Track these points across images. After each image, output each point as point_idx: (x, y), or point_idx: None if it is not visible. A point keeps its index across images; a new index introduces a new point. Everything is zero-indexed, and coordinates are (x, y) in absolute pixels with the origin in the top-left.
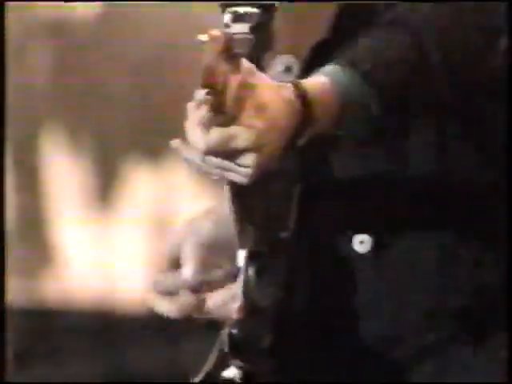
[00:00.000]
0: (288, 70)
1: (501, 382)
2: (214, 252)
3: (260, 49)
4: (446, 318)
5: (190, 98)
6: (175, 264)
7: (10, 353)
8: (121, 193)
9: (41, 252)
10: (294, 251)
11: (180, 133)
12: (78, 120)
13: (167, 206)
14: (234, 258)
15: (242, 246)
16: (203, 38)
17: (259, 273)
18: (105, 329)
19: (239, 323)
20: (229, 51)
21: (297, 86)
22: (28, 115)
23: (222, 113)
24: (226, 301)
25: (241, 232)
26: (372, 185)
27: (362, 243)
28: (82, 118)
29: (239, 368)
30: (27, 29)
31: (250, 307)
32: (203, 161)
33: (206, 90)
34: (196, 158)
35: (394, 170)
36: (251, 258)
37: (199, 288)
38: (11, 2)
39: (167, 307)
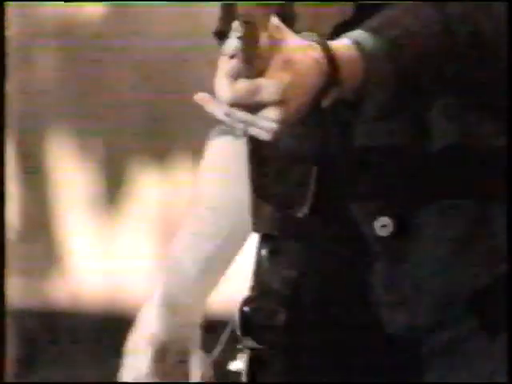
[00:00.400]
0: None
1: (501, 381)
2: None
3: None
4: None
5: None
6: None
7: (13, 354)
8: (128, 195)
9: (47, 254)
10: (309, 233)
11: (186, 136)
12: (84, 122)
13: (174, 208)
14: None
15: (255, 230)
16: None
17: (272, 255)
18: (110, 331)
19: (251, 303)
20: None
21: (324, 46)
22: (34, 117)
23: (251, 64)
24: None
25: (256, 214)
26: (392, 165)
27: (383, 226)
28: (89, 120)
29: (251, 350)
30: (32, 29)
31: (263, 289)
32: (228, 114)
33: (238, 41)
34: (221, 111)
35: (414, 148)
36: (264, 241)
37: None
38: (13, 2)
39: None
